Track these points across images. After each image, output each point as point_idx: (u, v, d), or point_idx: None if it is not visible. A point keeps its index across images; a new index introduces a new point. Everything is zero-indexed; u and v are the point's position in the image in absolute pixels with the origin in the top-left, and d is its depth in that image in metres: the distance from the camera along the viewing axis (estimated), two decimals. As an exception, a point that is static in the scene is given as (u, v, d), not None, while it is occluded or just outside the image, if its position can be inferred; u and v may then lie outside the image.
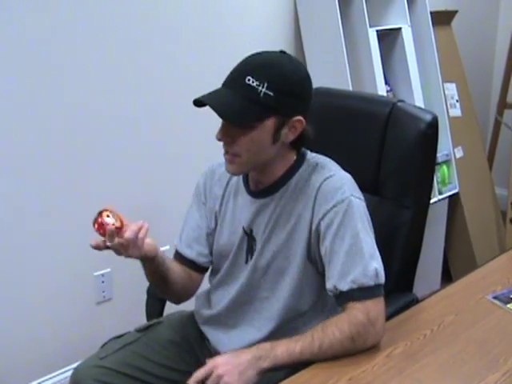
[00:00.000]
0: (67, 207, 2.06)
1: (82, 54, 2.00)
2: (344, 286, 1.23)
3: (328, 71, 2.47)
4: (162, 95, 2.22)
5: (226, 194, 1.43)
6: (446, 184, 2.81)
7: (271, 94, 1.21)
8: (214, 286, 1.47)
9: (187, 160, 2.31)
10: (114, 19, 2.05)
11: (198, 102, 1.23)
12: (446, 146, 2.79)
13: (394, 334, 1.27)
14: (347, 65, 2.40)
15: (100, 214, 1.21)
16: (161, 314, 1.63)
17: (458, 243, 3.03)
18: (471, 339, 1.27)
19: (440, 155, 2.73)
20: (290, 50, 2.56)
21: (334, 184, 1.29)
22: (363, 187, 1.34)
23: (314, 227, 1.28)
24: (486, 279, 1.54)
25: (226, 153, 1.29)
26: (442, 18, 2.98)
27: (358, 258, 1.23)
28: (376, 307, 1.22)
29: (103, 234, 1.20)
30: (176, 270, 1.42)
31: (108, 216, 1.20)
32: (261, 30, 2.49)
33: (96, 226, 1.20)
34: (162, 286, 1.42)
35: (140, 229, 1.23)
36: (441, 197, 2.76)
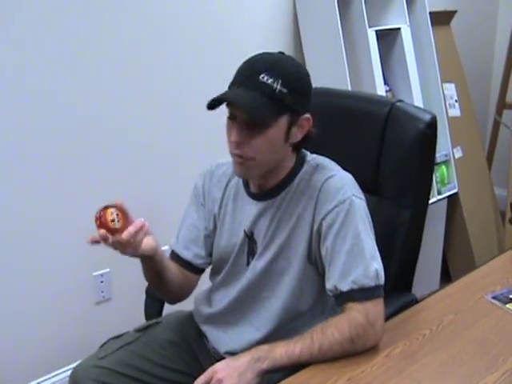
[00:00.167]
0: (66, 207, 2.06)
1: (82, 54, 2.00)
2: (344, 287, 1.23)
3: (327, 71, 2.47)
4: (161, 96, 2.22)
5: (226, 196, 1.42)
6: (445, 184, 2.81)
7: (285, 90, 1.20)
8: (215, 286, 1.47)
9: (186, 160, 2.31)
10: (113, 19, 2.05)
11: (212, 104, 1.21)
12: (445, 146, 2.79)
13: (393, 334, 1.27)
14: (346, 65, 2.40)
15: (105, 209, 1.19)
16: (160, 314, 1.63)
17: (457, 243, 3.03)
18: (470, 339, 1.27)
19: (439, 155, 2.73)
20: (289, 50, 2.56)
21: (336, 184, 1.29)
22: (362, 187, 1.34)
23: (315, 227, 1.28)
24: (485, 279, 1.54)
25: (240, 157, 1.25)
26: (441, 18, 2.98)
27: (359, 258, 1.23)
28: (375, 308, 1.22)
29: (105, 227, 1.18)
30: (173, 269, 1.41)
31: (111, 214, 1.18)
32: (260, 30, 2.49)
33: (97, 221, 1.18)
34: (157, 285, 1.41)
35: (138, 230, 1.20)
36: (440, 197, 2.76)
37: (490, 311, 1.38)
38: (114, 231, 1.18)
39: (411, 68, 2.63)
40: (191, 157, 2.29)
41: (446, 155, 2.81)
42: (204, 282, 1.52)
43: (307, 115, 1.28)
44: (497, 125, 3.39)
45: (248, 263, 1.38)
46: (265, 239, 1.34)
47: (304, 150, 1.38)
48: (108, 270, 2.21)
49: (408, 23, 2.62)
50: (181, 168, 2.31)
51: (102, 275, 2.20)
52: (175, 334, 1.49)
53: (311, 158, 1.37)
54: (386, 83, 2.61)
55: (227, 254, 1.41)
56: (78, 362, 1.44)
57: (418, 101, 2.62)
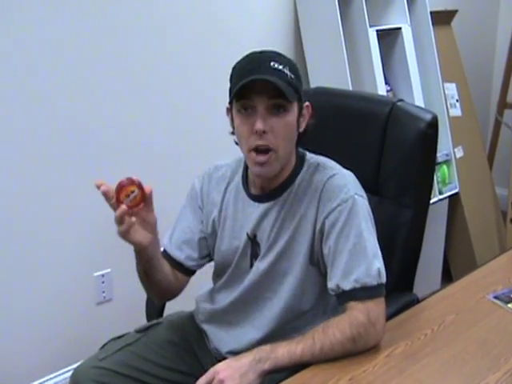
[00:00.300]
0: (67, 208, 2.06)
1: (82, 54, 2.00)
2: (347, 285, 1.22)
3: (328, 71, 2.47)
4: (161, 96, 2.22)
5: (225, 199, 1.42)
6: (446, 184, 2.81)
7: (293, 76, 1.24)
8: (218, 287, 1.47)
9: (186, 161, 2.30)
10: (114, 19, 2.05)
11: (239, 92, 1.19)
12: (446, 146, 2.78)
13: (394, 334, 1.27)
14: (347, 64, 2.40)
15: (129, 185, 1.17)
16: (161, 314, 1.63)
17: (458, 243, 3.02)
18: (472, 339, 1.27)
19: (440, 155, 2.73)
20: (289, 49, 2.57)
21: (338, 182, 1.29)
22: (363, 187, 1.33)
23: (318, 227, 1.28)
24: (487, 279, 1.53)
25: (262, 152, 1.24)
26: (442, 18, 2.98)
27: (362, 257, 1.23)
28: (377, 308, 1.22)
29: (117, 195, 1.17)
30: (164, 268, 1.38)
31: (132, 192, 1.17)
32: (261, 30, 2.49)
33: (116, 192, 1.17)
34: (145, 281, 1.38)
35: (129, 226, 1.17)
36: (441, 196, 2.76)
37: (492, 311, 1.37)
38: (119, 203, 1.17)
39: (412, 68, 2.63)
40: (191, 157, 2.29)
41: (447, 155, 2.81)
42: (205, 282, 1.51)
43: (307, 103, 1.31)
44: (498, 124, 3.38)
45: (251, 265, 1.37)
46: (268, 241, 1.34)
47: (303, 150, 1.38)
48: (109, 270, 2.20)
49: (409, 23, 2.62)
50: (181, 168, 2.30)
51: (103, 275, 2.20)
52: (176, 335, 1.49)
53: (311, 157, 1.37)
54: (386, 83, 2.60)
55: (229, 258, 1.41)
56: (78, 363, 1.44)
57: (418, 100, 2.62)
